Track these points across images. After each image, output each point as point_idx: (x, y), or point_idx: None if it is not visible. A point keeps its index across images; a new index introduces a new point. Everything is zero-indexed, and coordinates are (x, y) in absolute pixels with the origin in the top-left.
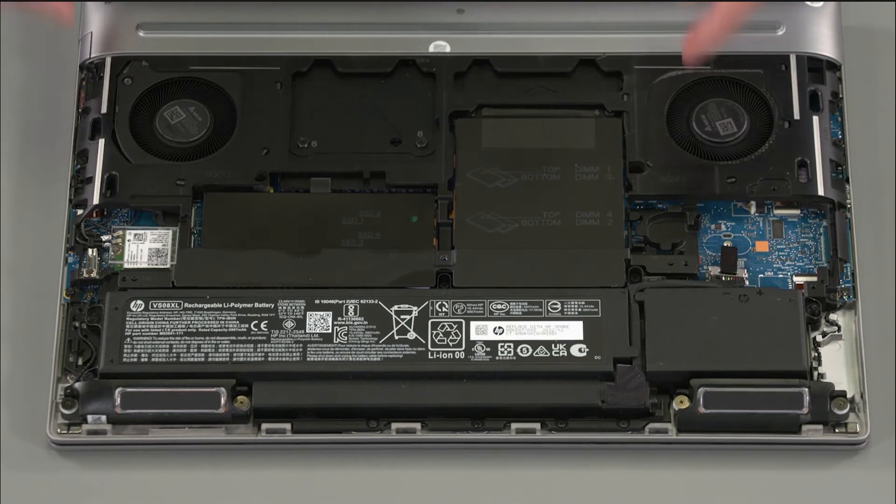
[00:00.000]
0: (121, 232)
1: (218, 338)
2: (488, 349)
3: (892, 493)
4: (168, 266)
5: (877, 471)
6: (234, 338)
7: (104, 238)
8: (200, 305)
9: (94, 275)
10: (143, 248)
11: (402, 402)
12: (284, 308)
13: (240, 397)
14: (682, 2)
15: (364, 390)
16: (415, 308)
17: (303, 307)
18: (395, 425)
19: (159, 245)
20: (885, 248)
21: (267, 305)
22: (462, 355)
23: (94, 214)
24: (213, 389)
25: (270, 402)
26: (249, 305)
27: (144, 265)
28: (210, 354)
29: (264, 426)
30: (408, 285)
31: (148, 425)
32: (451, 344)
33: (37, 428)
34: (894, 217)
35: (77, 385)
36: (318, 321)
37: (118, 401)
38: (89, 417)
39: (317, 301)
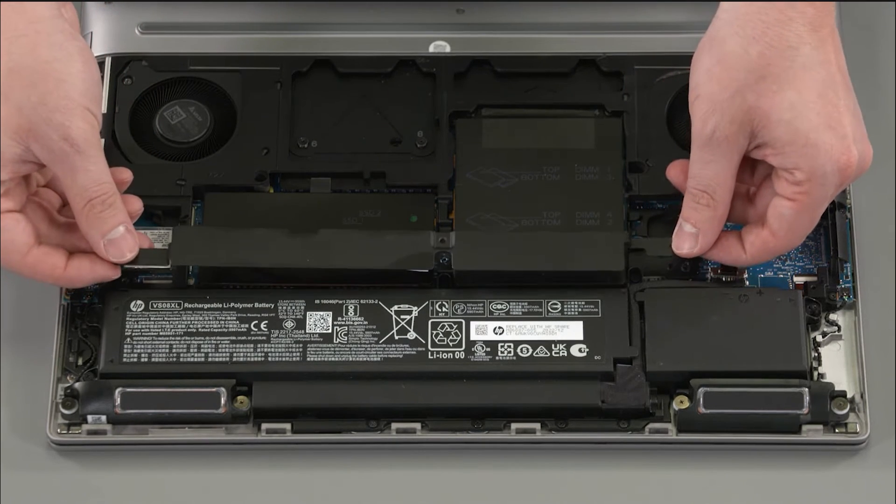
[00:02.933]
0: None
1: (218, 338)
2: (488, 349)
3: (892, 493)
4: (167, 266)
5: (877, 471)
6: (234, 338)
7: None
8: (200, 305)
9: None
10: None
11: (403, 403)
12: (284, 308)
13: (240, 397)
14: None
15: (364, 390)
16: (415, 308)
17: (303, 307)
18: (395, 425)
19: (159, 245)
20: (886, 248)
21: (267, 305)
22: (462, 355)
23: None
24: (213, 389)
25: (270, 403)
26: (249, 305)
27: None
28: (210, 354)
29: (264, 426)
30: (407, 268)
31: (148, 425)
32: (451, 344)
33: (37, 428)
34: (894, 217)
35: (77, 385)
36: (318, 321)
37: (118, 401)
38: (89, 417)
39: (317, 301)
